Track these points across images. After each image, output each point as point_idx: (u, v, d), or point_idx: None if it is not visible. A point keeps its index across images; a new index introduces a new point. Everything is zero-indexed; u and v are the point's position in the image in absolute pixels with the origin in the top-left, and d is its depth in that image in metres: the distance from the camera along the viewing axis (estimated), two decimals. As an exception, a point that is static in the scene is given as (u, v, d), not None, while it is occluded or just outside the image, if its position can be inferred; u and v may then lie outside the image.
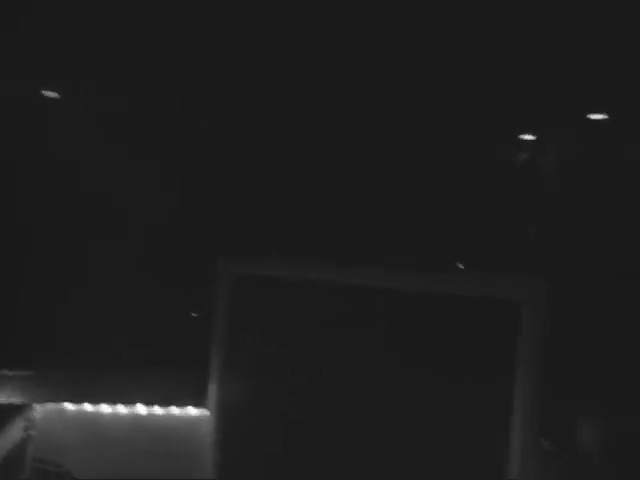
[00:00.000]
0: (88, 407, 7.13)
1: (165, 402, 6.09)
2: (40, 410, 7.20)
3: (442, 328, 1.78)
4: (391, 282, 2.03)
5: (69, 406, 7.22)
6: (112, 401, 7.03)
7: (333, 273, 1.97)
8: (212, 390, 3.23)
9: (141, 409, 6.51)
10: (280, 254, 2.74)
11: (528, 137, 4.71)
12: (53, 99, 7.17)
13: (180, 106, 5.89)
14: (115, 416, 6.85)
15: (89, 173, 6.20)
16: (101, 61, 6.21)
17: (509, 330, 1.59)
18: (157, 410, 6.13)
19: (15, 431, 6.96)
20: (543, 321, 1.45)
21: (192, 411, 5.48)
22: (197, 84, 5.92)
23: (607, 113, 4.53)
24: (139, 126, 6.32)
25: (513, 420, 1.63)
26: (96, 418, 7.09)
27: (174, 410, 5.63)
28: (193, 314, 6.10)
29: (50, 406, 7.25)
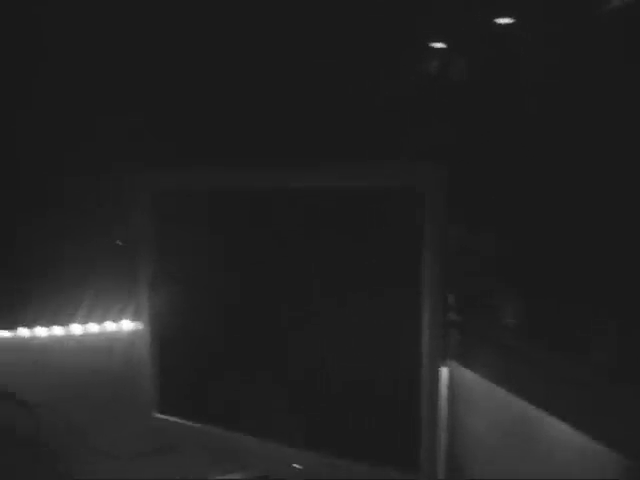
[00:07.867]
0: (24, 332, 7.20)
1: (100, 319, 6.15)
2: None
3: (347, 221, 1.82)
4: (294, 180, 2.04)
5: (3, 333, 7.27)
6: (47, 324, 7.06)
7: (241, 179, 1.98)
8: (144, 304, 3.29)
9: (77, 328, 6.61)
10: (189, 167, 2.71)
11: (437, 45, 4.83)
12: None
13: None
14: (52, 338, 6.91)
15: None
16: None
17: (413, 218, 1.63)
18: (92, 328, 6.20)
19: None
20: (444, 207, 1.52)
21: (128, 326, 5.56)
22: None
23: (513, 18, 4.71)
24: None
25: (423, 302, 1.72)
26: (33, 342, 7.16)
27: (110, 326, 5.70)
28: (119, 242, 6.12)
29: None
